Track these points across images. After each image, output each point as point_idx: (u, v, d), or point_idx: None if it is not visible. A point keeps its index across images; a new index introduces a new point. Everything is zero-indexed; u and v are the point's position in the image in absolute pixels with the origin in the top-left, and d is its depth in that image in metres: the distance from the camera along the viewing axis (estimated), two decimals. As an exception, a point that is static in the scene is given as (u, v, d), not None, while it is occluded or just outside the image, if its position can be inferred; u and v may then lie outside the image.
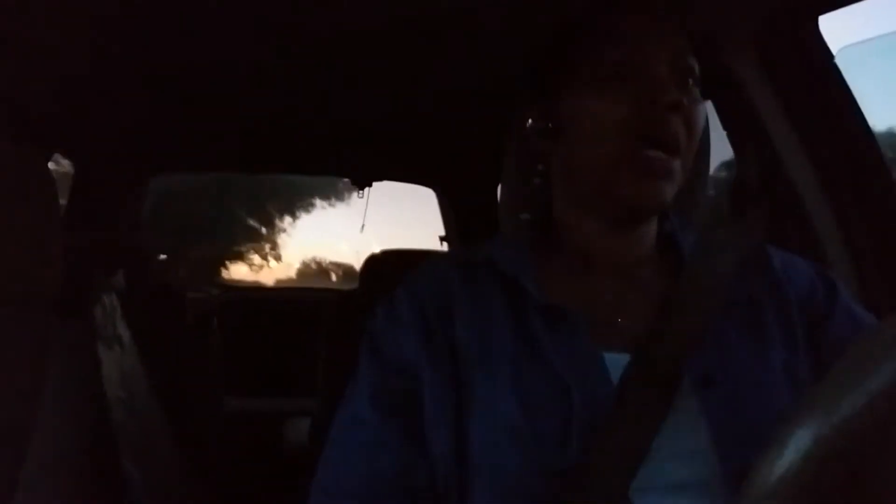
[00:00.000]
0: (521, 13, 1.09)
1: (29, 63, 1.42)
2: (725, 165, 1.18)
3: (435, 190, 2.79)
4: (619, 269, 0.75)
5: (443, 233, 2.86)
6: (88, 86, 1.58)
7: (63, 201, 2.23)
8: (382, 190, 2.63)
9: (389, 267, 2.08)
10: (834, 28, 1.06)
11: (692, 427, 0.65)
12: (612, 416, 0.64)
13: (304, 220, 9.99)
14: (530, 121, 0.78)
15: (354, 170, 2.52)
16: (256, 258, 9.95)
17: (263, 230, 9.87)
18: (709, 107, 1.09)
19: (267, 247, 10.21)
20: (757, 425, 0.63)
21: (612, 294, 0.74)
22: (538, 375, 0.67)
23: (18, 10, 1.15)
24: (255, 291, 3.50)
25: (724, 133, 1.15)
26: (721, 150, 1.10)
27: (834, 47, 1.06)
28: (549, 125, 0.76)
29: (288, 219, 10.16)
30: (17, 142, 0.94)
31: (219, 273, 9.05)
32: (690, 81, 0.72)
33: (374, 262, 2.18)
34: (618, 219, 0.75)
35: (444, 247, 2.81)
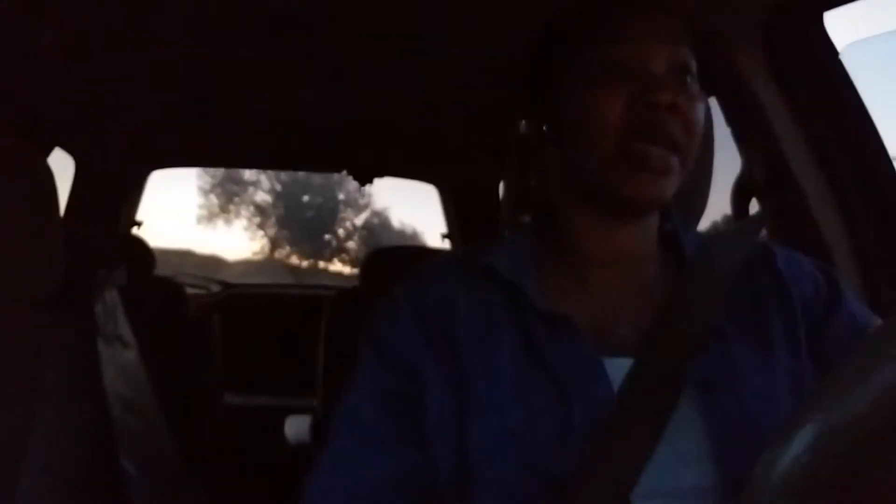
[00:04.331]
0: (520, 12, 1.09)
1: (30, 59, 1.42)
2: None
3: (437, 187, 2.79)
4: (621, 270, 0.74)
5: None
6: (89, 81, 1.58)
7: (63, 196, 2.23)
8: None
9: (389, 264, 2.07)
10: (839, 25, 1.05)
11: (694, 433, 0.64)
12: (613, 421, 0.63)
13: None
14: (524, 123, 0.78)
15: (356, 166, 2.52)
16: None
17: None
18: (713, 104, 1.09)
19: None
20: (759, 431, 0.63)
21: (614, 297, 0.73)
22: (539, 380, 0.67)
23: (20, 7, 1.15)
24: (255, 288, 3.50)
25: (729, 130, 1.15)
26: (726, 147, 1.10)
27: (839, 44, 1.05)
28: (545, 126, 0.76)
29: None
30: (18, 137, 0.94)
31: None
32: (688, 79, 0.70)
33: (373, 259, 2.17)
34: (616, 215, 0.74)
35: (447, 244, 2.81)
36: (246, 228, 11.96)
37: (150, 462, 0.96)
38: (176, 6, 1.16)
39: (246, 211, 11.96)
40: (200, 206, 11.66)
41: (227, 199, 12.09)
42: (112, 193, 2.49)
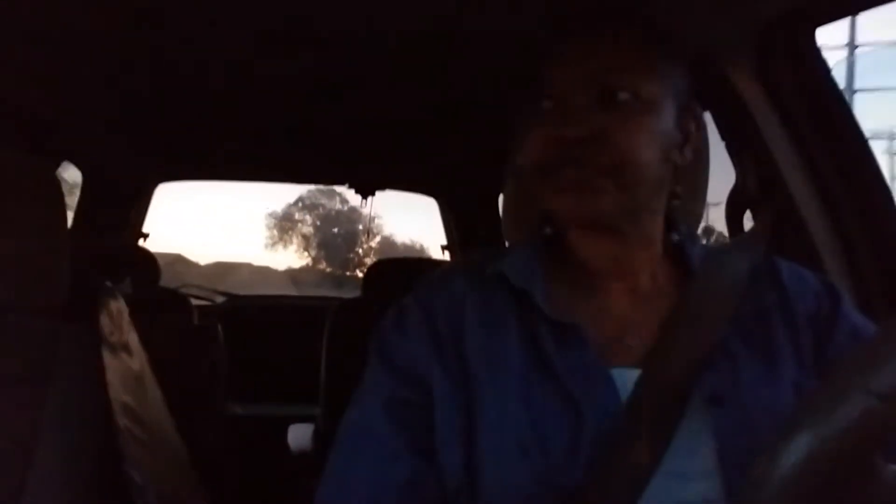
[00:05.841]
0: (518, 27, 1.11)
1: (38, 73, 1.44)
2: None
3: (437, 199, 2.81)
4: (622, 281, 0.75)
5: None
6: (96, 95, 1.60)
7: (71, 209, 2.25)
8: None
9: (391, 275, 2.09)
10: (830, 39, 1.07)
11: (700, 446, 0.65)
12: (621, 432, 0.64)
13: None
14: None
15: (358, 179, 2.54)
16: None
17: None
18: (707, 118, 1.10)
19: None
20: None
21: (619, 308, 0.74)
22: (547, 390, 0.67)
23: (28, 21, 1.17)
24: (259, 299, 3.51)
25: (723, 144, 1.16)
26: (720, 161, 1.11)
27: (830, 59, 1.07)
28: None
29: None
30: (26, 150, 0.96)
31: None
32: (620, 100, 0.68)
33: (376, 270, 2.19)
34: (576, 229, 0.76)
35: (446, 255, 2.82)
36: (296, 251, 20.09)
37: (156, 470, 0.97)
38: (181, 23, 1.18)
39: (296, 239, 20.28)
40: (266, 237, 19.57)
41: (283, 232, 20.47)
42: (119, 206, 2.51)
